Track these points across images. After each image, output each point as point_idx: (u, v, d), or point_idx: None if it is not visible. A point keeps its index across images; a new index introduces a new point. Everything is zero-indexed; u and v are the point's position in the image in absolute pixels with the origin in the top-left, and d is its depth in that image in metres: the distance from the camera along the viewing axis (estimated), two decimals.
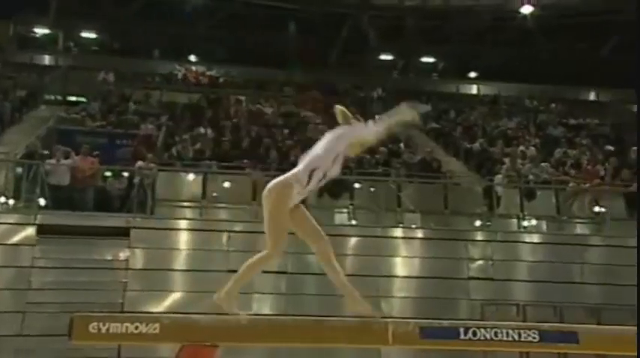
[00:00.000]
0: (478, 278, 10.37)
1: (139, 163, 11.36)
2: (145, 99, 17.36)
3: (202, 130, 14.28)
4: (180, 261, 10.31)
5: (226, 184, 11.76)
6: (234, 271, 4.12)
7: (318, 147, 4.45)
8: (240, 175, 11.90)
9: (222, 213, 11.37)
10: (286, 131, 15.05)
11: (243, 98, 18.13)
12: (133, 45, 23.36)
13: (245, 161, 12.52)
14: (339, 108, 4.55)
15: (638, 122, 12.93)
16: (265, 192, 4.32)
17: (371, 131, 4.41)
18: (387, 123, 4.44)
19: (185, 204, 11.33)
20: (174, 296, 10.00)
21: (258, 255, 4.31)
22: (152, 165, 11.35)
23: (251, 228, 10.37)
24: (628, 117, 19.97)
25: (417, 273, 10.54)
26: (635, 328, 4.10)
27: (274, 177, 4.53)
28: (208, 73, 21.45)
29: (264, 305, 10.08)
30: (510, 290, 10.46)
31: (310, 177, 4.40)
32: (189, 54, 23.95)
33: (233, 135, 14.34)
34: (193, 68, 22.04)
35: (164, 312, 9.08)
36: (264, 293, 10.11)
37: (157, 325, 3.71)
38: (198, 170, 11.88)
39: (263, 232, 4.40)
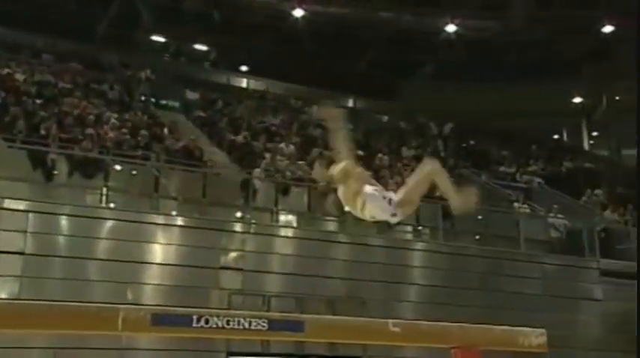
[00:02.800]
0: (229, 269, 10.58)
1: None
2: None
3: None
4: None
5: None
6: None
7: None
8: None
9: None
10: (39, 101, 13.89)
11: None
12: None
13: None
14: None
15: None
16: None
17: None
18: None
19: None
20: None
21: None
22: None
23: None
24: (377, 125, 21.91)
25: (172, 261, 10.44)
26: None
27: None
28: None
29: None
30: (259, 281, 10.84)
31: None
32: None
33: None
34: None
35: None
36: None
37: None
38: None
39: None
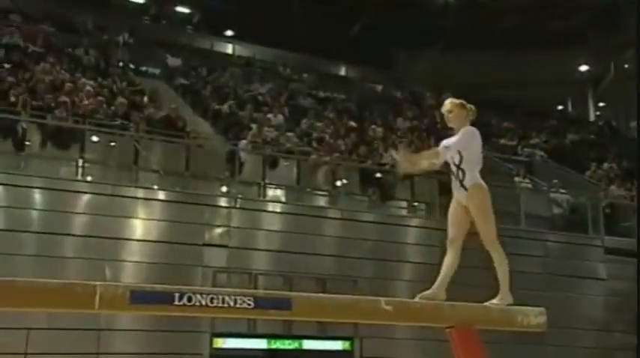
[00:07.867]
0: (214, 245, 10.56)
1: None
2: None
3: None
4: None
5: None
6: None
7: None
8: None
9: None
10: (8, 66, 13.69)
11: None
12: None
13: None
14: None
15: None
16: None
17: None
18: None
19: None
20: None
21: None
22: None
23: None
24: (370, 94, 21.81)
25: (153, 237, 10.39)
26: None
27: None
28: None
29: None
30: (246, 258, 10.83)
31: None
32: None
33: None
34: None
35: None
36: None
37: None
38: None
39: None
